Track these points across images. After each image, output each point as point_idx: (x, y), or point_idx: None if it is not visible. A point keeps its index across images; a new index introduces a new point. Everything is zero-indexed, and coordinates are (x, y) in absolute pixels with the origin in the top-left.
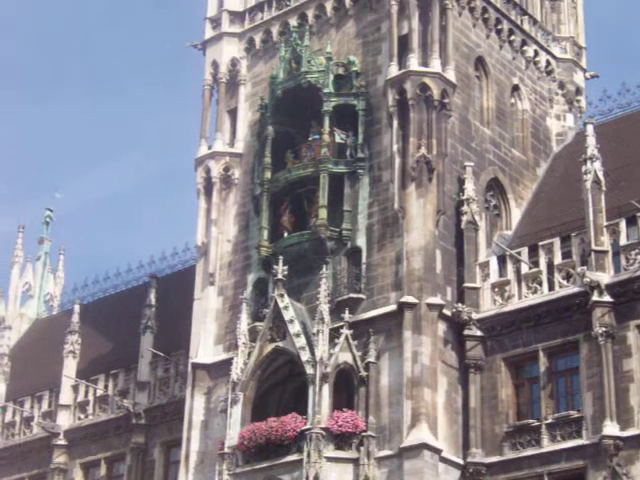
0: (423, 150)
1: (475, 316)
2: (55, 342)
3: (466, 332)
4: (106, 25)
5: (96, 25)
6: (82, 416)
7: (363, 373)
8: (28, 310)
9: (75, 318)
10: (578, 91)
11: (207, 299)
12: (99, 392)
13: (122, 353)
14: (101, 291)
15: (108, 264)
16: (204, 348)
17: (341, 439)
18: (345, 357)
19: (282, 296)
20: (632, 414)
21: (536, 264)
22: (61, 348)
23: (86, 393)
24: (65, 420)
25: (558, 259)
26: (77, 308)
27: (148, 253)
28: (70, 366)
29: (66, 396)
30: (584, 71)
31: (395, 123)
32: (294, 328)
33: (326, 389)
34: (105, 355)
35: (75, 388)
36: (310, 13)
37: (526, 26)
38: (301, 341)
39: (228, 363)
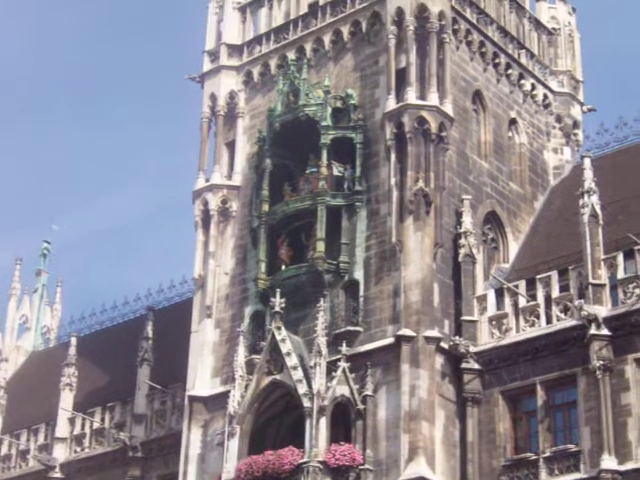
0: (421, 183)
1: (473, 349)
2: (52, 375)
3: (464, 365)
4: (105, 56)
5: (95, 56)
6: (78, 449)
7: (360, 406)
8: (25, 342)
9: (72, 351)
10: (575, 124)
11: (204, 332)
12: (95, 425)
13: (119, 386)
14: (98, 323)
15: (105, 296)
16: (201, 381)
17: (338, 472)
18: (342, 390)
19: (279, 329)
20: (630, 448)
21: (534, 297)
22: (58, 381)
23: (82, 426)
24: (61, 453)
25: (556, 292)
26: (74, 341)
27: (145, 285)
28: (67, 399)
29: (62, 429)
30: (581, 104)
31: (393, 156)
32: (291, 361)
33: (323, 422)
34: (102, 388)
35: (71, 421)
36: (308, 46)
37: (523, 60)
38: (298, 374)
39: (225, 396)
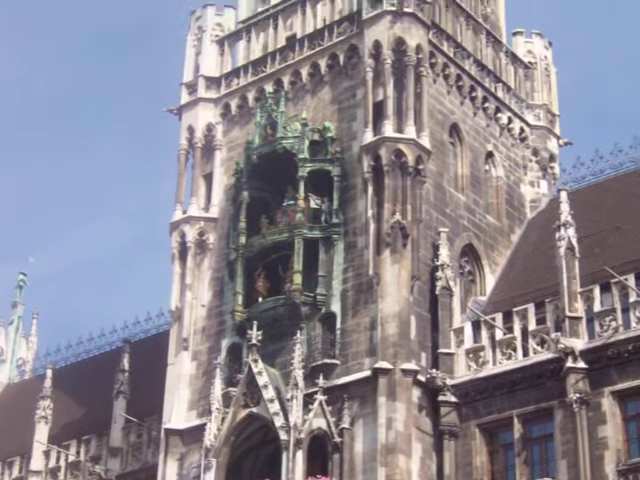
0: (398, 216)
1: (449, 382)
2: (27, 407)
3: (440, 398)
4: (82, 87)
5: (72, 87)
6: None
7: (337, 439)
8: (0, 375)
9: (47, 383)
10: (552, 158)
11: (181, 364)
12: (71, 458)
13: (94, 418)
14: (74, 356)
15: (81, 329)
16: (177, 414)
17: None
18: (319, 423)
19: (256, 361)
20: None
21: (510, 330)
22: (33, 413)
23: (58, 459)
24: None
25: (532, 325)
26: (49, 373)
27: (122, 317)
28: (42, 431)
29: (37, 462)
30: (558, 138)
31: (370, 189)
32: (268, 394)
33: (300, 455)
34: (77, 420)
35: (46, 454)
36: (286, 79)
37: (500, 93)
38: (275, 407)
39: (201, 429)
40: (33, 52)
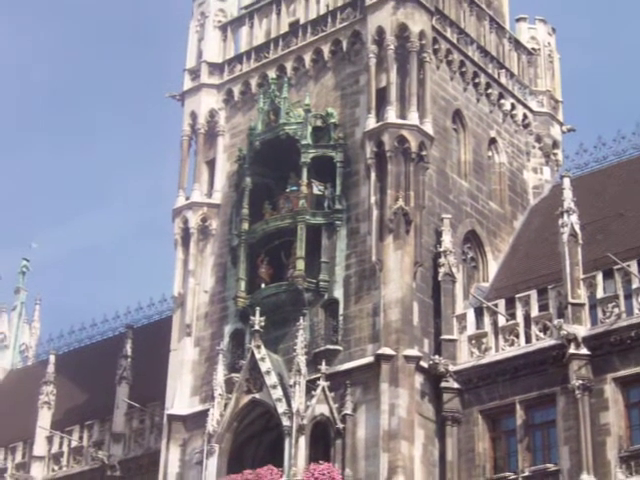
0: (401, 202)
1: (452, 368)
2: (30, 393)
3: (443, 384)
4: (85, 73)
5: (75, 73)
6: (56, 467)
7: (340, 425)
8: (3, 360)
9: (50, 369)
10: (555, 144)
11: (183, 350)
12: (74, 443)
13: (97, 404)
14: (77, 341)
15: (84, 315)
16: (180, 399)
17: None
18: (322, 409)
19: (259, 347)
20: (609, 468)
21: (513, 316)
22: (36, 399)
23: (60, 444)
24: (39, 472)
25: (535, 312)
26: (52, 358)
27: (125, 304)
28: (45, 417)
29: (40, 447)
30: (561, 125)
31: (373, 175)
32: (271, 380)
33: (302, 441)
34: (80, 406)
35: (49, 439)
36: (289, 65)
37: (503, 80)
38: (278, 393)
39: (204, 415)
40: (34, 40)
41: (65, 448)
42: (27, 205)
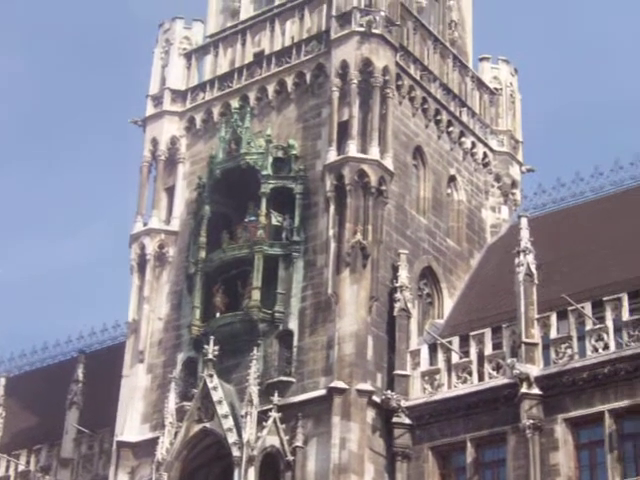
0: (358, 236)
1: (404, 404)
2: None
3: (395, 420)
4: (49, 97)
5: (39, 96)
6: None
7: (290, 457)
8: None
9: (0, 391)
10: (514, 184)
11: (136, 376)
12: (21, 467)
13: (46, 428)
14: (28, 364)
15: (37, 338)
16: (130, 426)
17: None
18: (272, 441)
19: (212, 376)
20: None
21: (467, 354)
22: None
23: (7, 468)
24: None
25: (489, 350)
26: (3, 381)
27: (78, 328)
28: None
29: None
30: (520, 165)
31: (332, 208)
32: (222, 409)
33: (252, 472)
34: (29, 429)
35: None
36: (252, 95)
37: (464, 118)
38: (229, 422)
39: (154, 442)
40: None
41: (12, 472)
42: None
